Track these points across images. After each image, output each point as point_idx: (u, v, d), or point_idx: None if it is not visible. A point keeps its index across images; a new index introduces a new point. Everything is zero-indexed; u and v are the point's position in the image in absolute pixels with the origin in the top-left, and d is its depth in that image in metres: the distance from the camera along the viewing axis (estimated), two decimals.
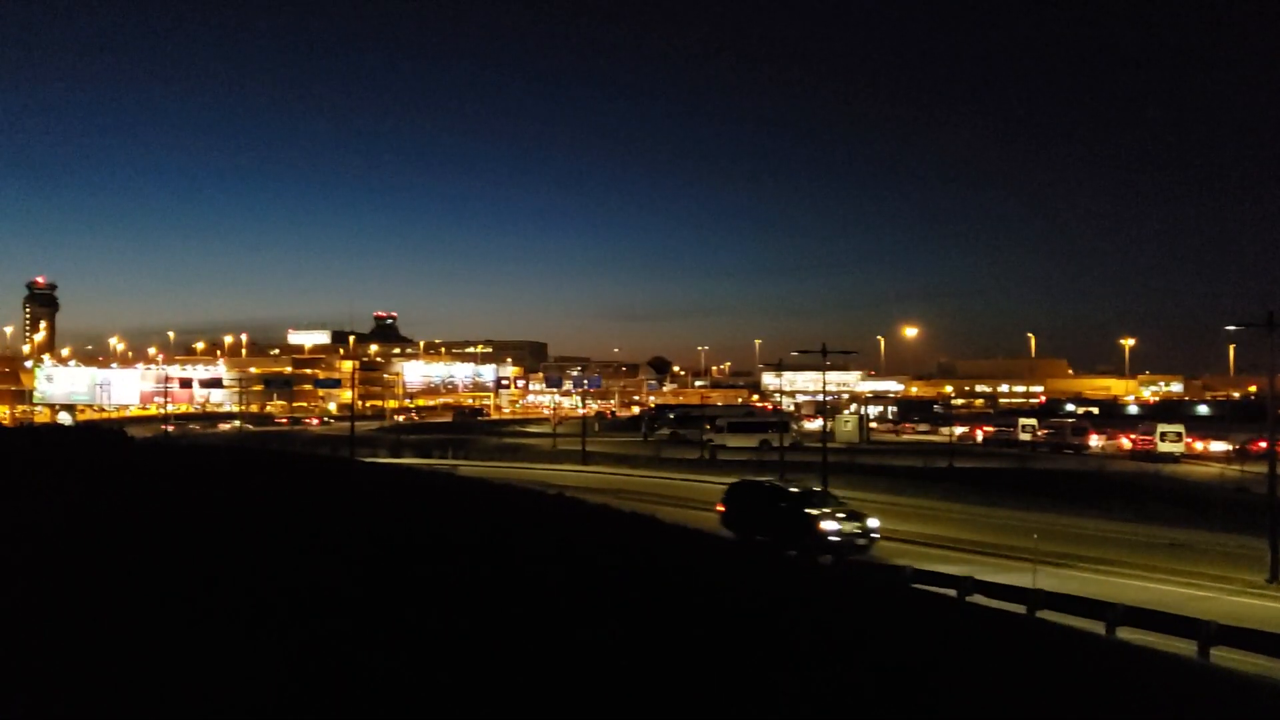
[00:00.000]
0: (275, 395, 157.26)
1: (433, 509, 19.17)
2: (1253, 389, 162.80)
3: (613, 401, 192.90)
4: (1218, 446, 73.65)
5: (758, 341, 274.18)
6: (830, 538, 30.12)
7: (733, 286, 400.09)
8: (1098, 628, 19.35)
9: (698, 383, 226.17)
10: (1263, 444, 68.82)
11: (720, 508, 34.28)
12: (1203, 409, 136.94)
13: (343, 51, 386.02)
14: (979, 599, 22.09)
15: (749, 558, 20.04)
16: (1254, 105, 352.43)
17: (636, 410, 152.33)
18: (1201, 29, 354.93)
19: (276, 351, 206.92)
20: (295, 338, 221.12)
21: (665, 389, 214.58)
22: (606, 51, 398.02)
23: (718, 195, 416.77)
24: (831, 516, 31.04)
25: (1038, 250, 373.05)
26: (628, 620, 9.76)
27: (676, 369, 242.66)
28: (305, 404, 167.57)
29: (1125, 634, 18.99)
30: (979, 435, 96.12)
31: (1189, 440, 75.59)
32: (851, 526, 30.81)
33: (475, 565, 11.94)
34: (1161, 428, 77.96)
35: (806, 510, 31.41)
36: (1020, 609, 20.95)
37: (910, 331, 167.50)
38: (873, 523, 31.47)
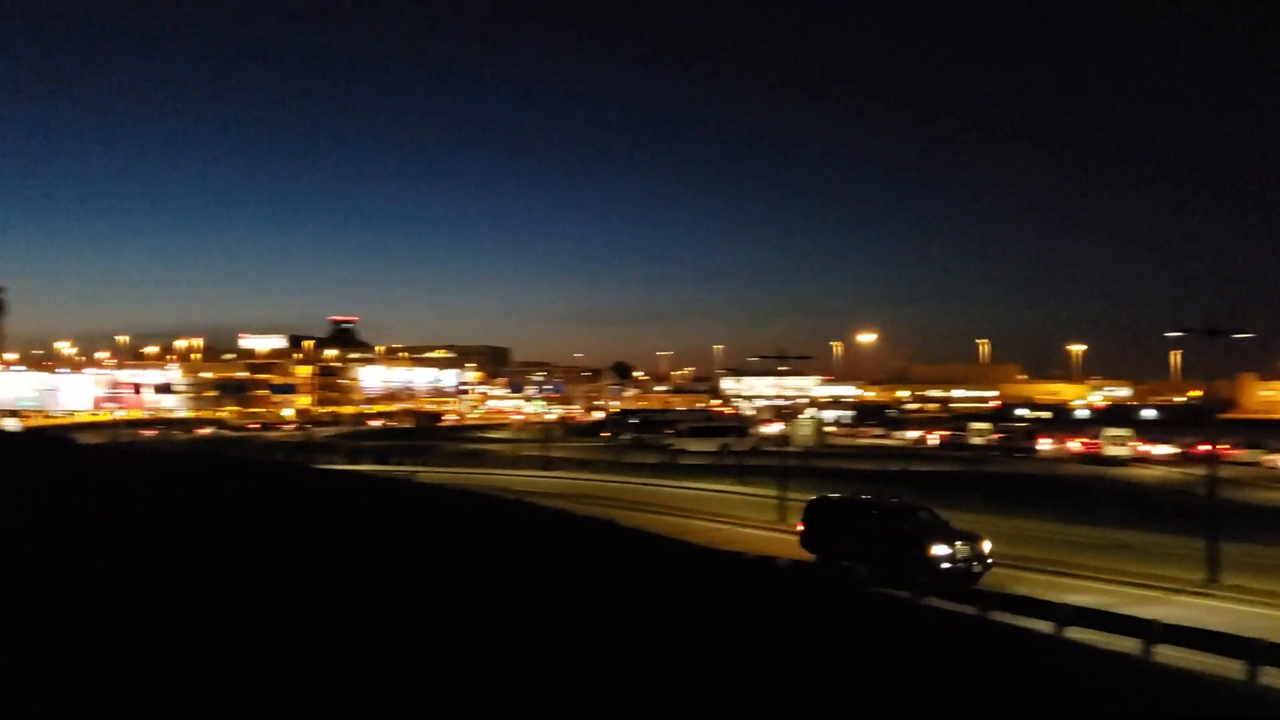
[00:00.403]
0: (231, 401, 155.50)
1: (387, 514, 19.29)
2: (1194, 394, 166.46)
3: (575, 407, 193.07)
4: (1163, 450, 75.25)
5: (717, 347, 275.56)
6: (943, 564, 26.02)
7: (694, 292, 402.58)
8: (1047, 627, 19.91)
9: (659, 388, 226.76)
10: (1204, 447, 70.80)
11: (800, 526, 30.38)
12: (1149, 413, 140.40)
13: (297, 53, 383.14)
14: (933, 600, 22.56)
15: (708, 561, 20.37)
16: (1200, 117, 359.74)
17: (600, 415, 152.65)
18: (1152, 37, 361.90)
19: (232, 356, 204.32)
20: (248, 342, 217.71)
21: (627, 394, 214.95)
22: (566, 55, 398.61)
23: (680, 200, 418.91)
24: (944, 539, 26.73)
25: (992, 257, 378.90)
26: (588, 623, 10.00)
27: (639, 374, 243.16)
28: (261, 409, 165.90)
29: (1074, 633, 19.54)
30: (933, 439, 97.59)
31: (1135, 444, 77.24)
32: (965, 550, 26.58)
33: (448, 569, 12.15)
34: (1109, 431, 79.88)
35: (914, 531, 27.08)
36: (972, 610, 21.46)
37: (867, 337, 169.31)
38: (987, 546, 27.23)
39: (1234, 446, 69.78)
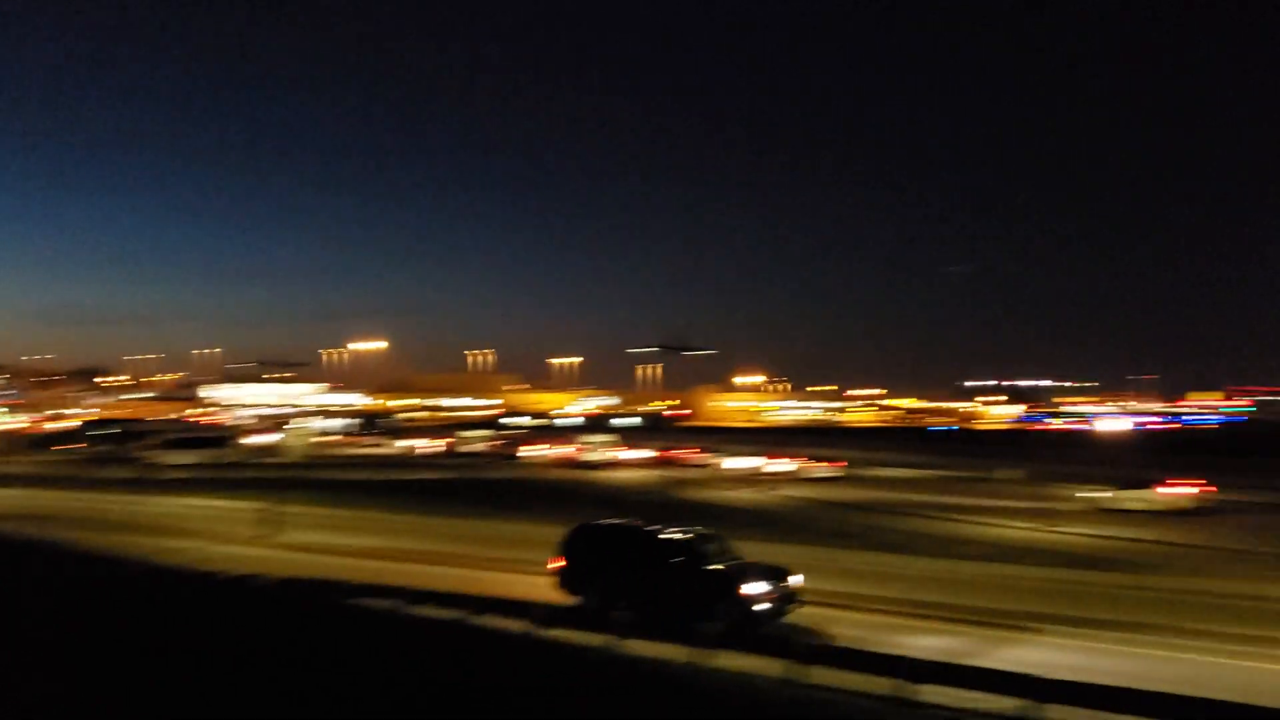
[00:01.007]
0: None
1: None
2: (666, 403, 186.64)
3: (35, 415, 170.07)
4: (638, 454, 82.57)
5: (206, 351, 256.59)
6: (756, 605, 21.81)
7: (179, 291, 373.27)
8: (525, 626, 20.83)
9: (138, 395, 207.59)
10: (672, 451, 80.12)
11: (558, 562, 25.05)
12: (631, 421, 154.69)
13: None
14: (428, 610, 22.56)
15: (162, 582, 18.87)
16: (653, 144, 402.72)
17: (66, 425, 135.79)
18: (643, 69, 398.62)
19: None
20: None
21: (100, 401, 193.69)
22: (48, 24, 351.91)
23: (165, 190, 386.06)
24: (755, 575, 22.58)
25: (493, 271, 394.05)
26: None
27: (114, 379, 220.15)
28: None
29: (554, 632, 20.56)
30: (431, 447, 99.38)
31: (615, 449, 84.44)
32: (778, 587, 22.67)
33: None
34: (587, 438, 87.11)
35: (717, 568, 22.96)
36: (458, 614, 21.89)
37: (370, 344, 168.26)
38: (795, 580, 23.30)
39: (699, 451, 79.35)
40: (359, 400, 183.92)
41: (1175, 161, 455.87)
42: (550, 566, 25.13)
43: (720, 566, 22.94)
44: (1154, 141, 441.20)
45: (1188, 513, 46.07)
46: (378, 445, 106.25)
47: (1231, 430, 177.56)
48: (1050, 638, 21.11)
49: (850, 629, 21.62)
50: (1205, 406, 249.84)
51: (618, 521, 26.89)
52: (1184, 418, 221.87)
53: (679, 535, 24.25)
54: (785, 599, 22.44)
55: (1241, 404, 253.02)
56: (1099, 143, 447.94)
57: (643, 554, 23.84)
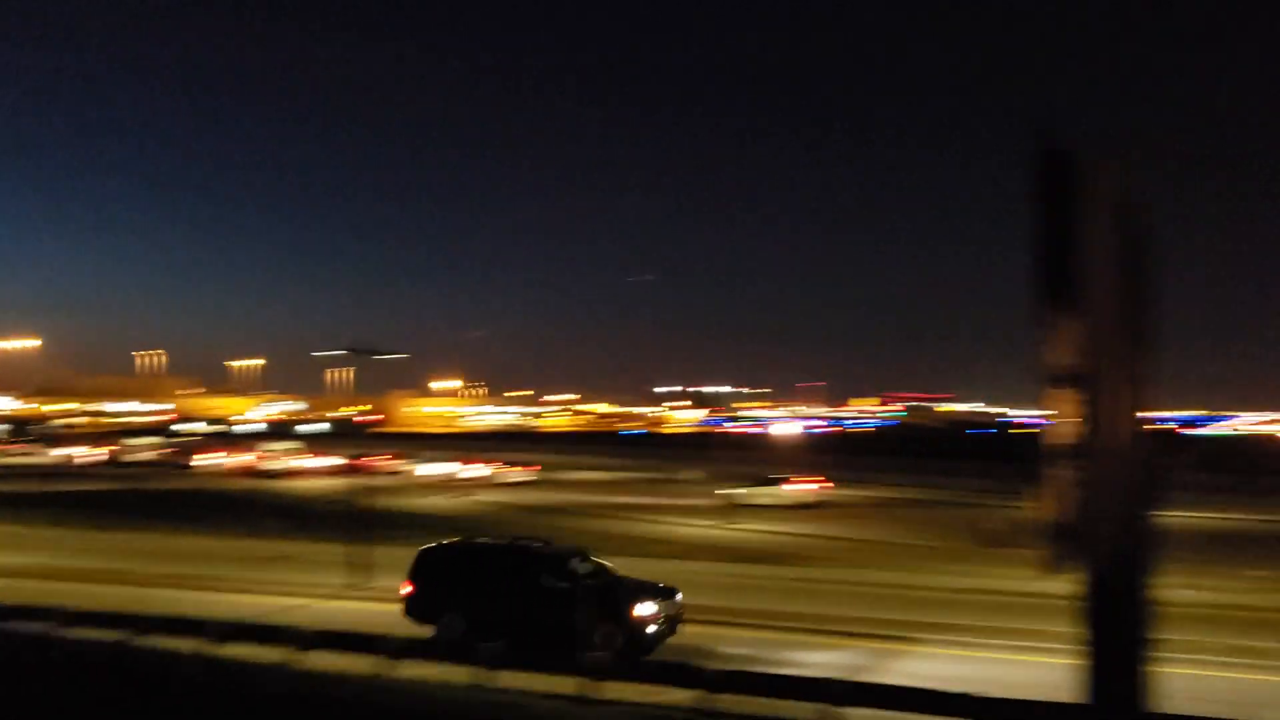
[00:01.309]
0: None
1: None
2: (357, 408, 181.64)
3: None
4: (327, 462, 79.93)
5: None
6: (649, 626, 20.44)
7: None
8: (198, 645, 19.71)
9: None
10: (363, 459, 77.97)
11: (408, 588, 22.61)
12: (319, 427, 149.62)
13: None
14: (86, 631, 20.89)
15: None
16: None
17: None
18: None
19: None
20: None
21: None
22: None
23: None
24: (645, 595, 21.09)
25: (164, 265, 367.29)
26: None
27: None
28: None
29: (231, 649, 19.55)
30: (97, 455, 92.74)
31: (302, 457, 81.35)
32: (668, 608, 21.24)
33: None
34: (274, 445, 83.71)
35: (604, 587, 21.27)
36: (120, 635, 20.41)
37: (23, 343, 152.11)
38: (679, 597, 21.92)
39: (393, 457, 77.92)
40: (8, 404, 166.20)
41: (843, 185, 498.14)
42: (401, 592, 22.74)
43: (606, 586, 21.45)
44: (825, 163, 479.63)
45: (810, 506, 51.79)
46: (29, 454, 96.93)
47: (885, 433, 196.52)
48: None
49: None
50: (864, 411, 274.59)
51: (481, 541, 24.87)
52: (846, 422, 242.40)
53: (556, 553, 22.72)
54: (674, 619, 21.31)
55: (895, 409, 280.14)
56: (774, 161, 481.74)
57: (513, 575, 21.77)
